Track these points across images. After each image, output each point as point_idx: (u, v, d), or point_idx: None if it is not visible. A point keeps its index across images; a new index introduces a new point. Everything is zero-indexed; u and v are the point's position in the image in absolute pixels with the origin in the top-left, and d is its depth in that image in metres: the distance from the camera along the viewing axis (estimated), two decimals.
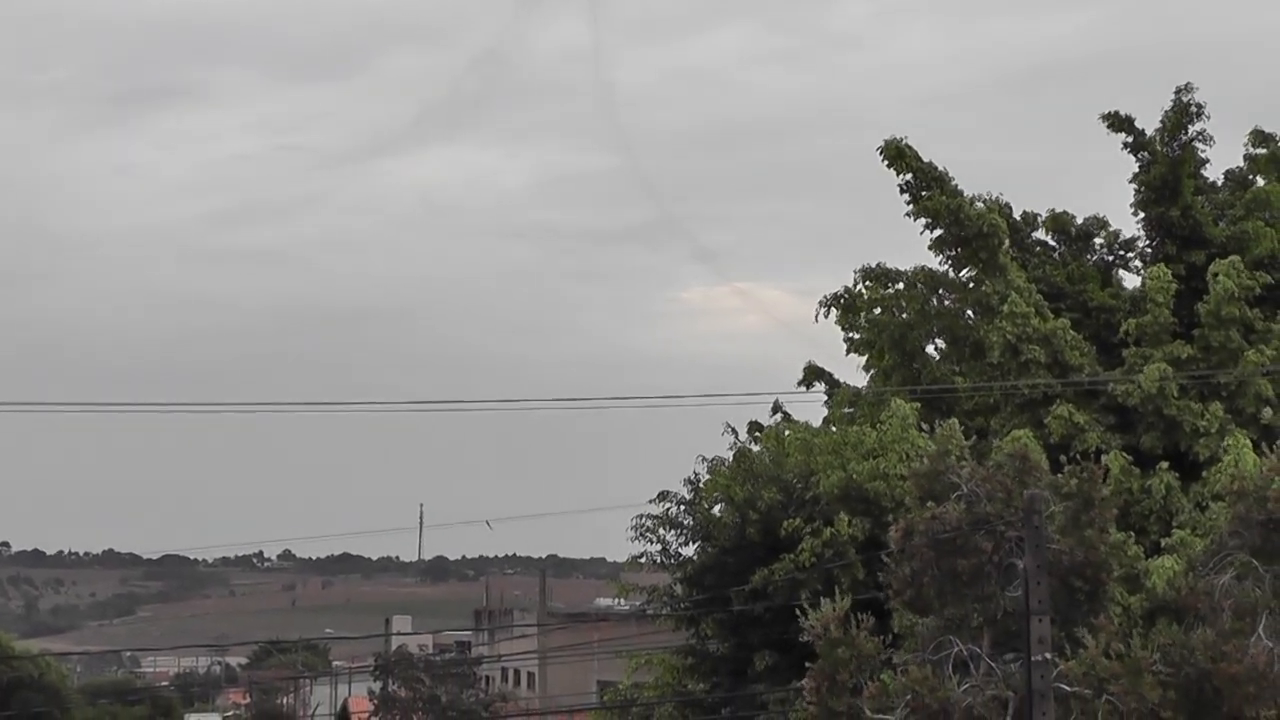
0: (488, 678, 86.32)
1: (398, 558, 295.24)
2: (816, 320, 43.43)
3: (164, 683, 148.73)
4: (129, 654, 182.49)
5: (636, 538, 38.62)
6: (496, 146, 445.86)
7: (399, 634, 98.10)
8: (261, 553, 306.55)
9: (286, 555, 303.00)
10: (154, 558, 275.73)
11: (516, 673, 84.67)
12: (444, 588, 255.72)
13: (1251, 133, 46.07)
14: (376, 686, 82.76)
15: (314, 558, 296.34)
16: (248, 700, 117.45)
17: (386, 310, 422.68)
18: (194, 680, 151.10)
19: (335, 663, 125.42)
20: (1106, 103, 43.69)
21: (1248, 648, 22.48)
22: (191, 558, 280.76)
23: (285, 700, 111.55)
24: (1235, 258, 39.46)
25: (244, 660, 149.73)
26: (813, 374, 44.64)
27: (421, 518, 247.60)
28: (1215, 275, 38.94)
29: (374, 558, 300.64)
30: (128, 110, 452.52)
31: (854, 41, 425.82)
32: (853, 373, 44.41)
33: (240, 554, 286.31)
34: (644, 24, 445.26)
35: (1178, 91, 42.45)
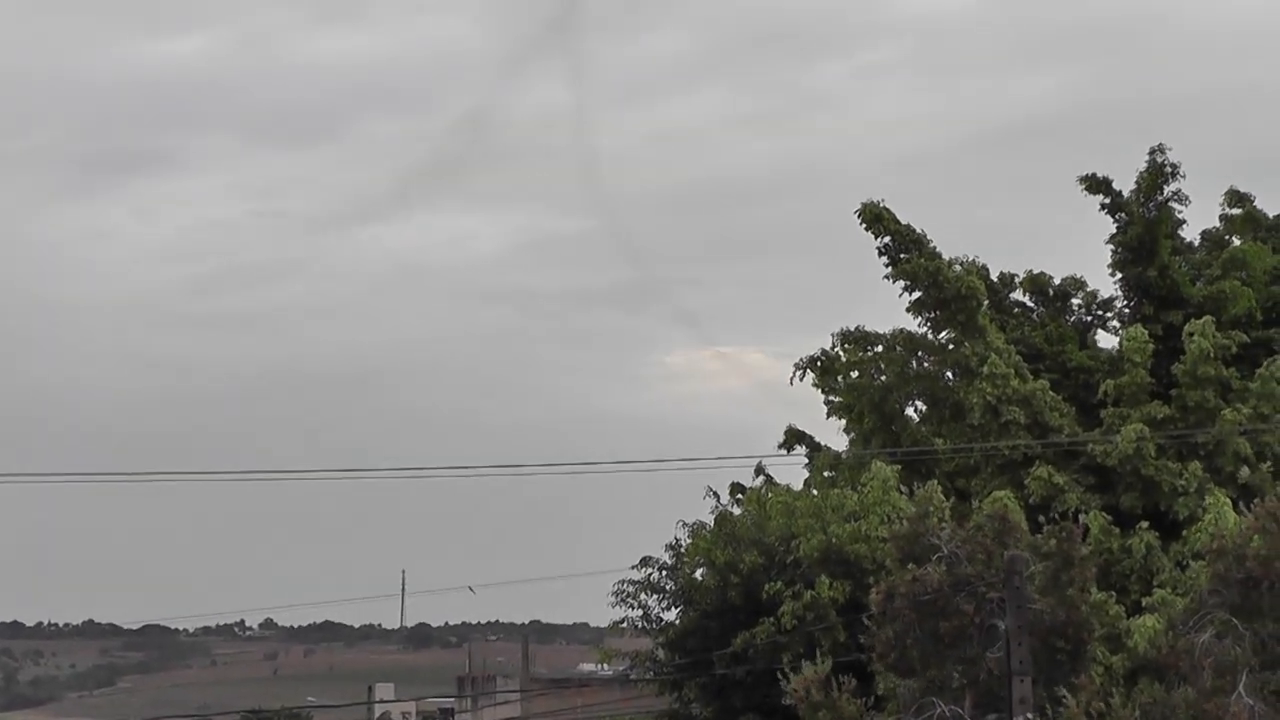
0: None
1: (380, 625, 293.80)
2: (792, 383, 43.57)
3: None
4: None
5: (618, 603, 38.68)
6: (477, 210, 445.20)
7: (381, 701, 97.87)
8: (243, 621, 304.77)
9: (268, 624, 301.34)
10: (134, 628, 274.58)
11: None
12: (427, 654, 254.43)
13: (1227, 193, 46.46)
14: None
15: (296, 626, 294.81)
16: None
17: (366, 375, 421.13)
18: None
19: None
20: (1084, 163, 44.23)
21: (1229, 705, 22.55)
22: (172, 627, 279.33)
23: None
24: (1209, 318, 39.64)
25: None
26: (794, 437, 44.69)
27: (404, 584, 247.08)
28: (1191, 335, 39.11)
29: (356, 625, 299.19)
30: (105, 176, 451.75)
31: (832, 102, 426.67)
32: (833, 435, 44.52)
33: (222, 623, 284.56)
34: (625, 87, 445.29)
35: (1152, 152, 42.77)
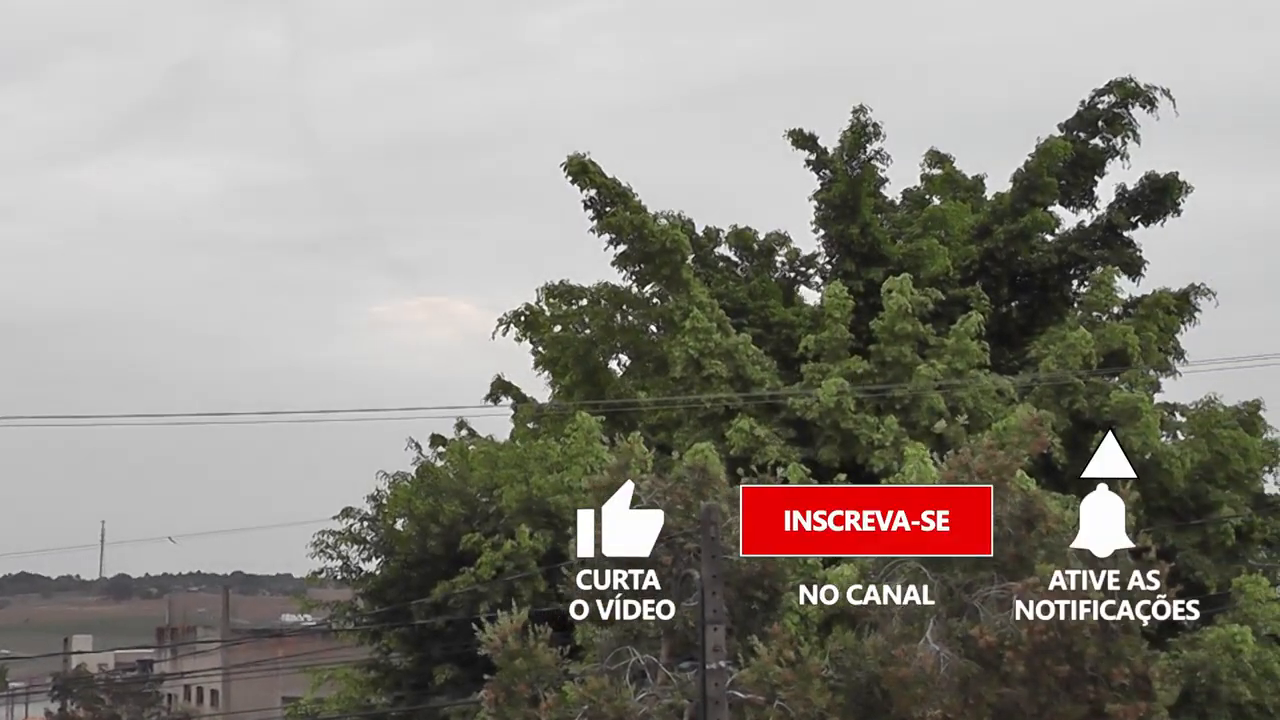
0: (170, 696, 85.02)
1: (79, 576, 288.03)
2: (494, 337, 43.61)
3: None
4: None
5: (317, 554, 38.45)
6: (185, 156, 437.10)
7: (79, 653, 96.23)
8: None
9: None
10: None
11: (200, 690, 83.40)
12: (126, 606, 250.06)
13: (928, 153, 47.37)
14: (55, 707, 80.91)
15: None
16: None
17: (66, 324, 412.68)
18: None
19: (12, 684, 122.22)
20: (793, 121, 44.53)
21: (916, 651, 23.03)
22: None
23: None
24: (906, 275, 40.37)
25: None
26: (500, 388, 44.70)
27: (103, 535, 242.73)
28: (889, 292, 39.82)
29: (54, 576, 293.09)
30: None
31: (546, 55, 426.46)
32: (540, 388, 44.61)
33: None
34: (340, 35, 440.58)
35: (854, 112, 43.44)
